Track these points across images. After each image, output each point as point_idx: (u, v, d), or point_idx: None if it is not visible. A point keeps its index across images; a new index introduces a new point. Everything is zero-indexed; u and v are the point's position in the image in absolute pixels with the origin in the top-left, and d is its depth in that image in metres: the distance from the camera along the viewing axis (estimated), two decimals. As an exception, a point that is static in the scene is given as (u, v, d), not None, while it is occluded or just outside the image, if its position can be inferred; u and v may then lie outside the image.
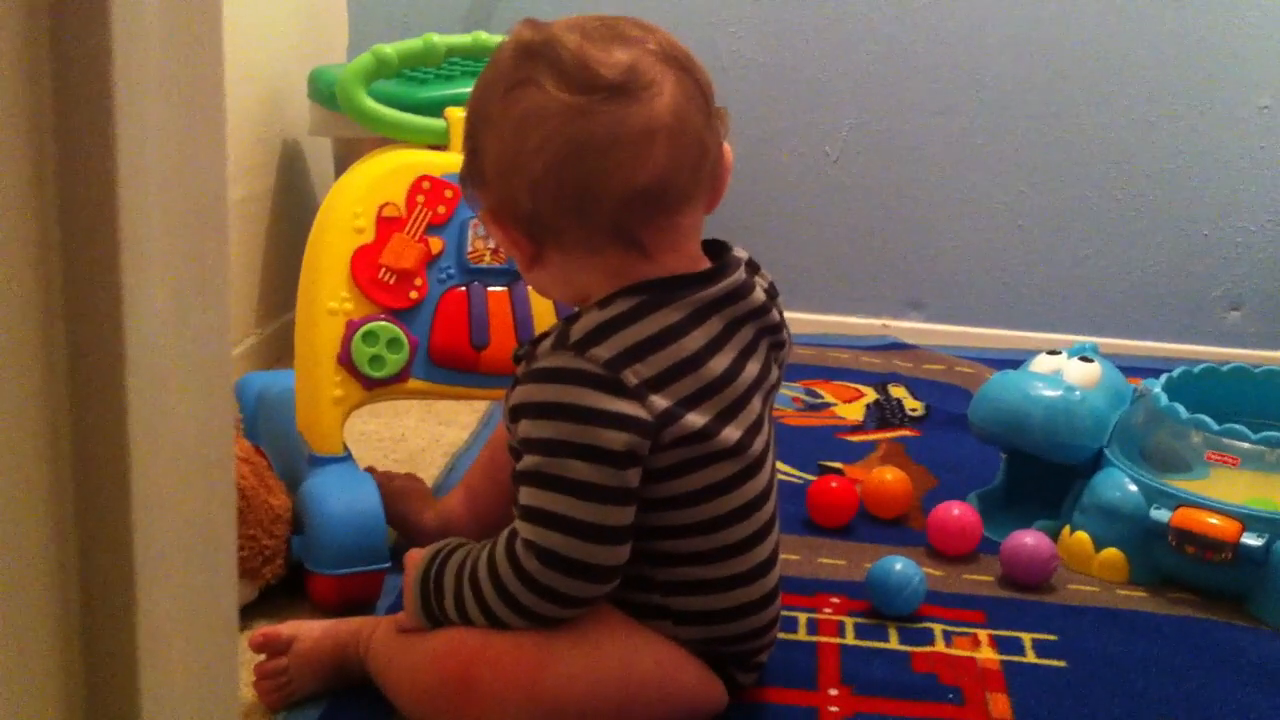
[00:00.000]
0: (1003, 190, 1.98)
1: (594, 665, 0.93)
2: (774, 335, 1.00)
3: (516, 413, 0.92)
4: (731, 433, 0.94)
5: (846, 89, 1.97)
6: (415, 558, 0.99)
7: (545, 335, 0.94)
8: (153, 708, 0.39)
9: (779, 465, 1.48)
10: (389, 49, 1.22)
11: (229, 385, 0.44)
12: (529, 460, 0.90)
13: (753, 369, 0.96)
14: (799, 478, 1.47)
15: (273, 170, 1.78)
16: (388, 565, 1.13)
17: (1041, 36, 1.92)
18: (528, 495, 0.91)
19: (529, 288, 1.13)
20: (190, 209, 0.39)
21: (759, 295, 0.97)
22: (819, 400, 1.73)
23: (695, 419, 0.91)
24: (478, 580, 0.93)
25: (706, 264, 0.96)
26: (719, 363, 0.93)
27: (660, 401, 0.90)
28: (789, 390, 1.74)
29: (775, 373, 1.01)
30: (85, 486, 0.38)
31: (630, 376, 0.89)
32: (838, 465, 1.51)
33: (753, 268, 1.00)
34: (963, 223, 2.00)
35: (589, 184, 0.89)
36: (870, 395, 1.74)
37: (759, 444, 0.97)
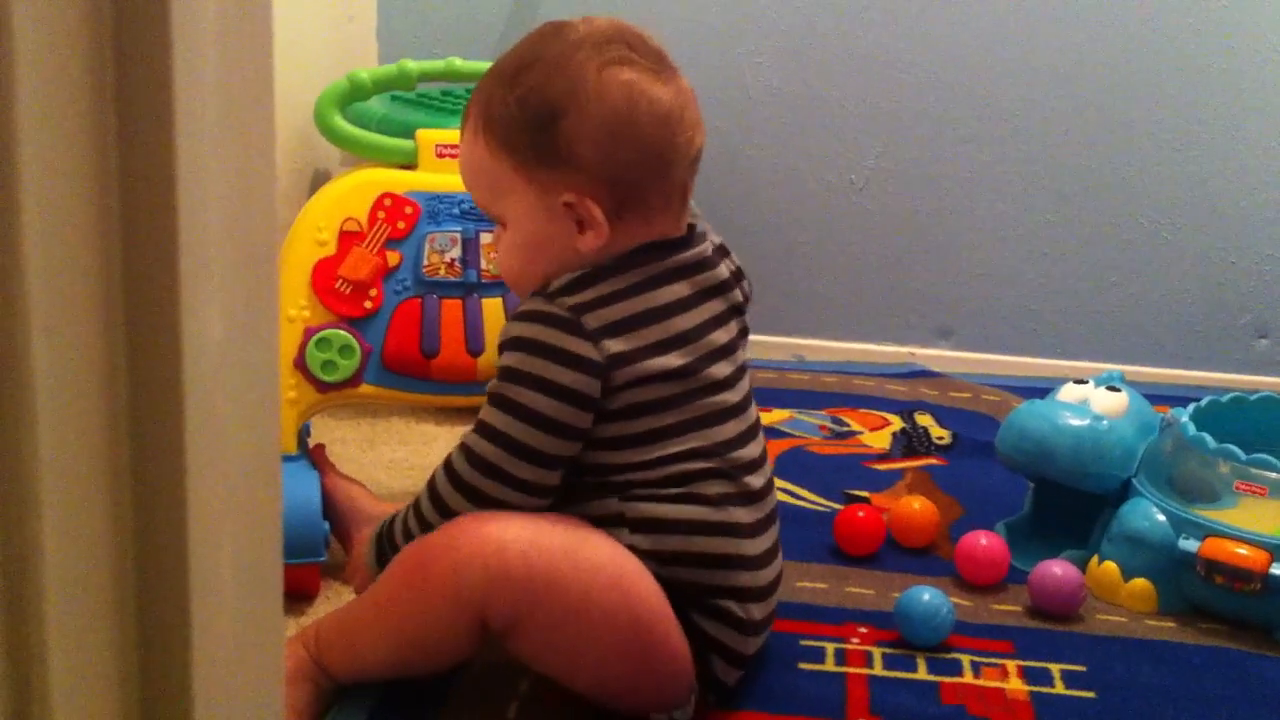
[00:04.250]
0: (1028, 218, 1.98)
1: (542, 531, 0.96)
2: (740, 316, 1.07)
3: (499, 347, 1.02)
4: (683, 360, 1.00)
5: (871, 118, 1.98)
6: (366, 534, 1.11)
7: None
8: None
9: (805, 493, 1.50)
10: (364, 73, 1.33)
11: (277, 408, 0.45)
12: (492, 384, 1.01)
13: (721, 337, 1.04)
14: (825, 506, 1.47)
15: (304, 201, 1.80)
16: (323, 559, 1.19)
17: (1066, 64, 1.93)
18: (483, 412, 1.00)
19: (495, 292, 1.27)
20: (243, 234, 0.41)
21: (723, 270, 1.05)
22: (845, 428, 1.73)
23: (653, 363, 0.99)
24: (418, 500, 1.04)
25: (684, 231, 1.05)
26: (685, 320, 1.01)
27: (615, 345, 0.97)
28: (815, 418, 1.75)
29: (743, 350, 1.08)
30: (143, 506, 0.39)
31: (591, 320, 0.97)
32: (864, 494, 1.51)
33: (722, 251, 1.07)
34: (989, 250, 2.00)
35: (676, 147, 1.00)
36: (896, 423, 1.74)
37: (723, 372, 1.03)
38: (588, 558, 0.96)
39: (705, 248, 1.04)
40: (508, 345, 1.00)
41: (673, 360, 0.99)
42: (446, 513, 1.01)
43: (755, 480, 1.04)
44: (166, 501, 0.39)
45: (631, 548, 0.99)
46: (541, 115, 0.98)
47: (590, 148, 0.98)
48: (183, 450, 0.38)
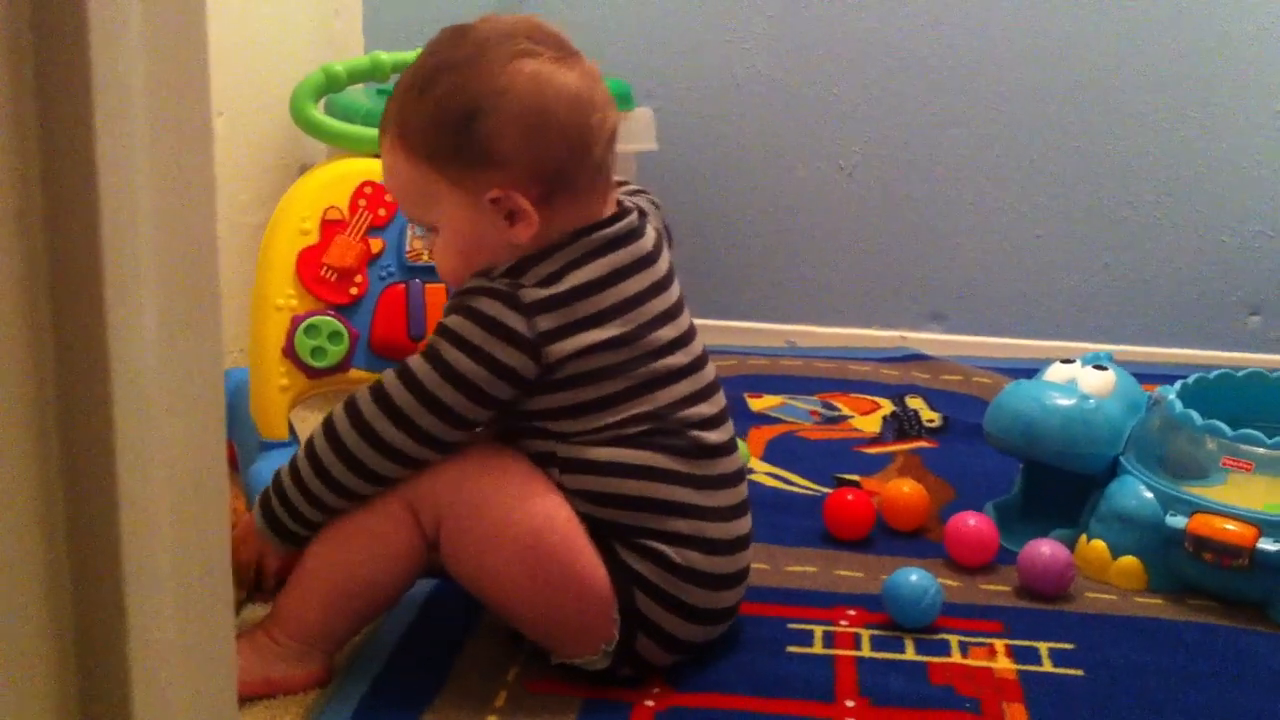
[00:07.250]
0: (1018, 200, 1.98)
1: (460, 461, 1.03)
2: (666, 286, 1.08)
3: (444, 312, 1.05)
4: (621, 329, 1.03)
5: (860, 103, 1.97)
6: None
7: None
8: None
9: (795, 478, 1.50)
10: (338, 66, 1.35)
11: (221, 411, 0.45)
12: (430, 338, 1.03)
13: (661, 303, 1.06)
14: (816, 490, 1.47)
15: (291, 195, 1.80)
16: None
17: (1054, 46, 1.92)
18: (410, 359, 1.03)
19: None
20: (178, 229, 0.41)
21: (650, 237, 1.08)
22: (836, 413, 1.73)
23: (587, 336, 1.01)
24: (309, 441, 1.04)
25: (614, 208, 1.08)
26: (621, 291, 1.03)
27: (545, 322, 1.00)
28: (806, 403, 1.75)
29: (687, 319, 1.09)
30: (76, 514, 0.39)
31: (526, 295, 1.01)
32: (855, 478, 1.51)
33: (644, 215, 1.10)
34: (979, 233, 2.00)
35: (591, 128, 1.02)
36: (887, 407, 1.75)
37: (667, 335, 1.05)
38: (501, 466, 1.03)
39: (632, 219, 1.07)
40: (451, 309, 1.03)
41: (609, 331, 1.02)
42: (342, 451, 1.01)
43: (711, 436, 1.06)
44: (98, 493, 0.39)
45: (559, 486, 1.03)
46: (458, 118, 1.00)
47: (510, 142, 1.00)
48: (112, 443, 0.38)
